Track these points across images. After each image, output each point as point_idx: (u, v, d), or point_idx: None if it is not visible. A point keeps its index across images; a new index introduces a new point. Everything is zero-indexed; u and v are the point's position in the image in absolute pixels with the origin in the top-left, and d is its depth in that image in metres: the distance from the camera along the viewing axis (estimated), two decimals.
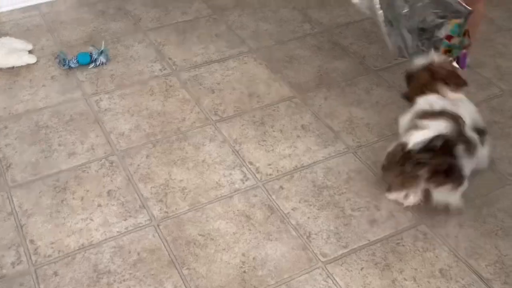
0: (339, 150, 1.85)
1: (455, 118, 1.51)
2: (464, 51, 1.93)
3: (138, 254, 1.51)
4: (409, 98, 1.71)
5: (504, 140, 1.89)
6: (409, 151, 1.50)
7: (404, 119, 1.66)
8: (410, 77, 1.76)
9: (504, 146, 1.87)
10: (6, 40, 2.23)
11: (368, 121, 1.96)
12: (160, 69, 2.19)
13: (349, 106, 2.03)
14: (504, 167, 1.79)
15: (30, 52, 2.21)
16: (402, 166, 1.53)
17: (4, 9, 2.49)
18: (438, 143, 1.47)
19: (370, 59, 2.26)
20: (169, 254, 1.51)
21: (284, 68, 2.22)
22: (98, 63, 2.16)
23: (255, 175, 1.75)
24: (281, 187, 1.71)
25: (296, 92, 2.10)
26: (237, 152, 1.83)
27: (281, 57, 2.27)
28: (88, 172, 1.74)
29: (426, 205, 1.60)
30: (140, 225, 1.59)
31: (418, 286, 1.45)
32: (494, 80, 2.15)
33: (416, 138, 1.50)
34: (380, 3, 1.87)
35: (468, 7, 1.78)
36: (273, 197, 1.68)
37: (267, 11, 2.56)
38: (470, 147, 1.50)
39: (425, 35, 1.92)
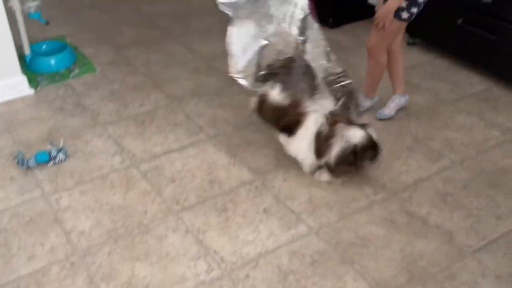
0: (302, 232, 1.87)
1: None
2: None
3: None
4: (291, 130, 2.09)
5: (460, 211, 1.95)
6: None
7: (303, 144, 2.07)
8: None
9: (460, 217, 1.93)
10: None
11: (327, 201, 2.00)
12: (120, 162, 2.21)
13: (308, 186, 2.07)
14: (462, 240, 1.84)
15: None
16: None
17: None
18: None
19: None
20: None
21: (242, 152, 2.27)
22: (57, 161, 2.17)
23: (220, 264, 1.74)
24: (247, 276, 1.70)
25: (255, 175, 2.14)
26: (201, 241, 1.83)
27: (239, 142, 2.33)
28: (48, 276, 1.70)
29: None
30: None
31: None
32: (445, 151, 2.25)
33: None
34: None
35: None
36: (239, 286, 1.67)
37: (223, 98, 2.65)
38: None
39: None
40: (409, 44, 3.08)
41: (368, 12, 3.40)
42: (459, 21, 2.71)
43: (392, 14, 2.16)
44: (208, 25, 3.37)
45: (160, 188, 2.07)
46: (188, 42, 3.17)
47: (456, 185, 2.07)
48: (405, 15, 2.20)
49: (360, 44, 3.11)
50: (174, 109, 2.56)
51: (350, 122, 2.05)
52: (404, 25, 2.28)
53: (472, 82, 2.72)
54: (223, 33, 3.29)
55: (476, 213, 1.94)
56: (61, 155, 2.17)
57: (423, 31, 2.98)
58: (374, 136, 2.02)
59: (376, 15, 2.21)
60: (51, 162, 2.16)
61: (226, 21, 3.38)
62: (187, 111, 2.55)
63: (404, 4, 2.17)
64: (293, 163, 2.18)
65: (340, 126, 2.00)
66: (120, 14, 3.55)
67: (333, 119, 2.04)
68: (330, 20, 3.28)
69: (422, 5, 2.20)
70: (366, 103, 2.45)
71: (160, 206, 1.98)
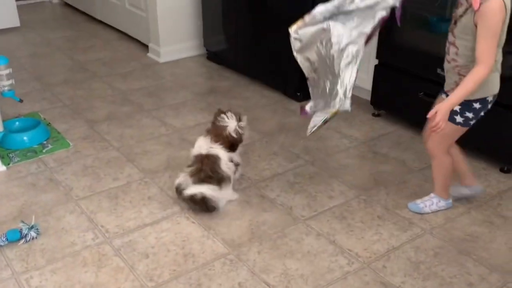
0: None
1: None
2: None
3: None
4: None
5: (432, 280, 1.98)
6: None
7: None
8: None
9: (433, 286, 1.95)
10: None
11: (302, 272, 2.01)
12: (93, 238, 2.19)
13: (283, 258, 2.08)
14: None
15: None
16: None
17: None
18: None
19: (297, 209, 2.37)
20: None
21: (216, 225, 2.28)
22: (28, 239, 2.13)
23: None
24: None
25: (230, 248, 2.14)
26: None
27: (213, 214, 2.34)
28: None
29: None
30: None
31: None
32: (415, 220, 2.30)
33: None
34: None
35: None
36: None
37: None
38: None
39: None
40: (374, 115, 3.21)
41: None
42: (420, 94, 2.85)
43: (446, 116, 1.97)
44: (180, 100, 3.46)
45: (134, 265, 2.05)
46: (161, 116, 3.23)
47: (428, 253, 2.11)
48: (459, 119, 2.07)
49: None
50: (148, 182, 2.58)
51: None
52: (461, 129, 2.12)
53: None
54: (195, 107, 3.39)
55: (448, 281, 1.97)
56: (32, 233, 2.15)
57: (387, 103, 3.12)
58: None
59: (430, 114, 2.00)
60: (22, 240, 2.13)
61: (198, 94, 3.50)
62: (160, 184, 2.56)
63: (457, 108, 2.03)
64: (266, 235, 2.20)
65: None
66: (93, 90, 3.61)
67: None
68: (299, 94, 3.40)
69: (480, 112, 2.06)
70: (462, 190, 2.38)
71: (133, 283, 1.96)
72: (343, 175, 2.63)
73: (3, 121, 2.88)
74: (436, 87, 2.77)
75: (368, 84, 3.19)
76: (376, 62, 3.08)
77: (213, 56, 4.05)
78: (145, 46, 4.31)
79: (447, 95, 2.10)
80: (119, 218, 2.32)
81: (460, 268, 2.03)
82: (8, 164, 2.69)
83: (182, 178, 2.33)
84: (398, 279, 1.97)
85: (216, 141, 2.38)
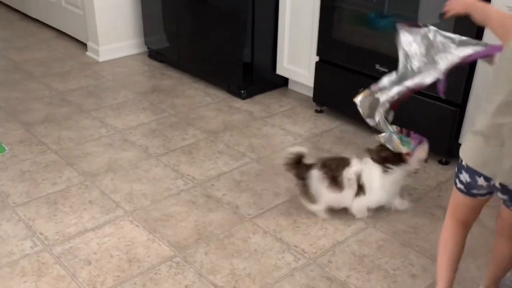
0: None
1: None
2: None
3: None
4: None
5: (376, 273, 2.02)
6: None
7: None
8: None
9: (378, 279, 1.99)
10: None
11: (250, 271, 2.00)
12: (31, 247, 2.10)
13: (230, 258, 2.07)
14: None
15: None
16: None
17: None
18: None
19: (244, 208, 2.37)
20: None
21: (162, 227, 2.23)
22: None
23: None
24: None
25: (176, 250, 2.10)
26: None
27: (158, 216, 2.30)
28: None
29: None
30: None
31: None
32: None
33: None
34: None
35: None
36: None
37: (139, 171, 2.62)
38: None
39: None
40: (316, 112, 3.24)
41: (277, 82, 3.58)
42: (361, 89, 2.89)
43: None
44: (121, 99, 3.37)
45: (75, 272, 1.98)
46: (102, 117, 3.14)
47: (371, 246, 2.15)
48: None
49: (270, 113, 3.24)
50: (88, 186, 2.50)
51: None
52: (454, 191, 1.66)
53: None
54: (137, 107, 3.33)
55: (392, 273, 2.01)
56: None
57: (329, 99, 3.16)
58: None
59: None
60: None
61: (140, 93, 3.43)
62: (102, 187, 2.49)
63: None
64: (213, 236, 2.18)
65: None
66: (30, 91, 3.47)
67: None
68: (243, 91, 3.39)
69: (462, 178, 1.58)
70: None
71: None
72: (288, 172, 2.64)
73: None
74: (375, 82, 2.83)
75: (310, 81, 3.22)
76: (317, 59, 3.11)
77: (155, 54, 3.98)
78: (84, 45, 4.18)
79: None
80: (59, 224, 2.23)
81: (404, 260, 2.08)
82: None
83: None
84: (344, 273, 2.00)
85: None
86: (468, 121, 2.56)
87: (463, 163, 1.55)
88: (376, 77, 2.81)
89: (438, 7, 2.52)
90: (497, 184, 1.50)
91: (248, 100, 3.41)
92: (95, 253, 2.08)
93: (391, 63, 2.73)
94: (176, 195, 2.45)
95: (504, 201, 1.59)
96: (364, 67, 2.86)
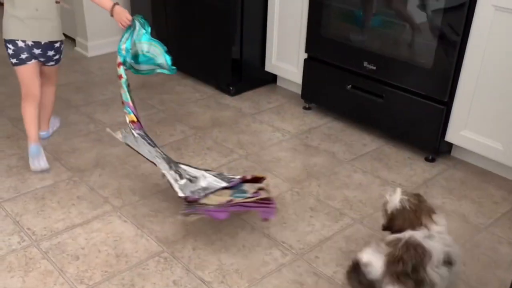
0: None
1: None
2: None
3: None
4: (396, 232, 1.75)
5: None
6: None
7: None
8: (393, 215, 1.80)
9: None
10: None
11: (237, 267, 2.02)
12: (19, 242, 2.10)
13: (218, 254, 2.08)
14: None
15: None
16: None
17: None
18: None
19: None
20: None
21: (150, 223, 2.24)
22: None
23: None
24: None
25: (164, 246, 2.11)
26: None
27: (146, 212, 2.30)
28: None
29: None
30: None
31: None
32: (345, 210, 2.36)
33: None
34: None
35: None
36: None
37: (128, 167, 2.62)
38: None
39: None
40: (305, 108, 3.26)
41: (266, 79, 3.59)
42: (348, 86, 2.92)
43: None
44: (110, 95, 3.37)
45: (63, 267, 1.98)
46: (90, 112, 3.14)
47: (358, 243, 2.17)
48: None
49: (258, 110, 3.25)
50: (77, 181, 2.50)
51: None
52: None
53: (365, 143, 2.92)
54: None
55: None
56: None
57: (317, 96, 3.18)
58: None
59: None
60: None
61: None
62: (90, 183, 2.49)
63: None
64: (201, 231, 2.19)
65: None
66: (17, 86, 3.43)
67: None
68: (231, 88, 3.40)
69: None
70: None
71: (63, 286, 1.89)
72: (277, 168, 2.66)
73: None
74: (363, 79, 2.86)
75: (298, 78, 3.24)
76: (305, 56, 3.13)
77: None
78: (72, 40, 4.16)
79: None
80: (47, 219, 2.23)
81: None
82: None
83: (371, 254, 1.65)
84: (330, 269, 2.02)
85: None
86: (454, 118, 2.59)
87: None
88: (364, 75, 2.85)
89: (424, 4, 2.56)
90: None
91: (236, 96, 3.42)
92: (83, 248, 2.08)
93: (379, 61, 2.77)
94: (165, 191, 2.45)
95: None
96: (352, 64, 2.88)
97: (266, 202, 2.10)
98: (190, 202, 2.11)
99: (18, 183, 2.46)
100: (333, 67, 2.99)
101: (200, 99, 3.38)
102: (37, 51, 2.48)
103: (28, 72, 2.53)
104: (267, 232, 2.21)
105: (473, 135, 2.56)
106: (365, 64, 2.80)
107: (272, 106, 3.31)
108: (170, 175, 2.21)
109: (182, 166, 2.30)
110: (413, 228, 1.71)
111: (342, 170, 2.66)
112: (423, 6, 2.56)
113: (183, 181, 2.20)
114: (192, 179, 2.24)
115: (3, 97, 3.29)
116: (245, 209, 2.13)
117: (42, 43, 2.48)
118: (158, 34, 3.75)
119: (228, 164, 2.67)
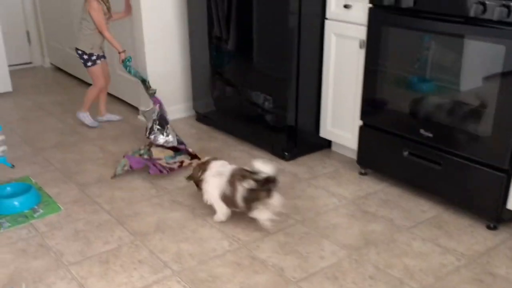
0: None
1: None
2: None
3: None
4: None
5: None
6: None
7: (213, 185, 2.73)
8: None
9: None
10: None
11: None
12: None
13: None
14: None
15: None
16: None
17: None
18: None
19: (289, 270, 2.38)
20: None
21: None
22: None
23: None
24: None
25: None
26: None
27: (204, 277, 2.34)
28: None
29: None
30: None
31: None
32: (406, 279, 2.32)
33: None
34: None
35: None
36: None
37: (187, 232, 2.69)
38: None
39: None
40: (361, 174, 3.27)
41: (321, 144, 3.65)
42: (405, 153, 2.93)
43: None
44: None
45: None
46: (152, 178, 3.26)
47: None
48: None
49: (314, 175, 3.29)
50: (138, 245, 2.58)
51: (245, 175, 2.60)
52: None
53: (424, 209, 2.88)
54: (185, 168, 3.43)
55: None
56: None
57: (373, 162, 3.19)
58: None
59: None
60: None
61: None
62: (151, 247, 2.57)
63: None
64: None
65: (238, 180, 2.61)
66: (84, 153, 3.65)
67: (231, 178, 2.65)
68: (286, 153, 3.47)
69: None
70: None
71: None
72: (334, 234, 2.66)
73: None
74: (420, 146, 2.87)
75: (353, 144, 3.27)
76: (360, 122, 3.18)
77: (202, 117, 4.14)
78: (136, 109, 4.39)
79: None
80: (110, 283, 2.30)
81: None
82: None
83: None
84: None
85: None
86: None
87: None
88: (421, 142, 2.86)
89: (479, 71, 2.58)
90: None
91: (291, 161, 3.48)
92: None
93: (435, 128, 2.78)
94: (222, 256, 2.50)
95: None
96: (408, 132, 2.90)
97: (167, 168, 3.28)
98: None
99: (84, 247, 2.57)
100: (389, 133, 3.01)
101: None
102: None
103: None
104: None
105: None
106: (422, 131, 2.81)
107: (327, 171, 3.34)
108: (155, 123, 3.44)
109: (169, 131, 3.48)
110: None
111: (401, 237, 2.63)
112: (479, 71, 2.58)
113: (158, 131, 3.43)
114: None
115: (72, 164, 3.49)
116: (155, 171, 3.23)
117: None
118: (216, 102, 3.92)
119: (284, 230, 2.70)
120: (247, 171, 2.60)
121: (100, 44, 3.93)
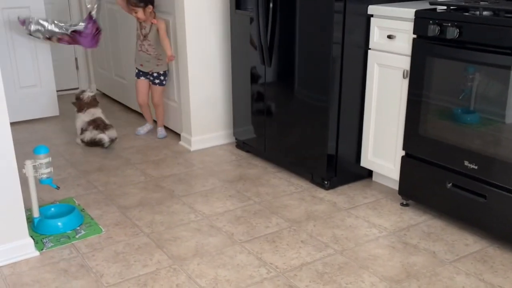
0: None
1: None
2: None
3: None
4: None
5: None
6: None
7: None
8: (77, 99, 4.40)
9: None
10: None
11: None
12: None
13: None
14: None
15: None
16: None
17: None
18: None
19: None
20: None
21: None
22: None
23: None
24: None
25: None
26: None
27: None
28: None
29: None
30: None
31: None
32: None
33: None
34: None
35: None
36: None
37: (224, 257, 2.69)
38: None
39: None
40: (402, 205, 3.21)
41: (361, 174, 3.61)
42: (449, 185, 2.87)
43: None
44: (210, 187, 3.53)
45: None
46: (191, 203, 3.29)
47: None
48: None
49: (354, 205, 3.25)
50: (176, 269, 2.59)
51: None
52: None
53: (468, 243, 2.80)
54: (224, 194, 3.46)
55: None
56: None
57: (415, 193, 3.13)
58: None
59: None
60: None
61: (227, 181, 3.57)
62: (188, 271, 2.57)
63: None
64: None
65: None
66: (127, 177, 3.73)
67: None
68: (326, 182, 3.45)
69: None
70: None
71: None
72: (374, 265, 2.61)
73: (39, 206, 2.97)
74: (464, 178, 2.80)
75: (395, 174, 3.23)
76: (402, 153, 3.13)
77: (242, 144, 4.17)
78: (177, 135, 4.47)
79: None
80: None
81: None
82: (42, 249, 2.75)
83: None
84: None
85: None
86: None
87: None
88: (465, 174, 2.79)
89: None
90: None
91: (331, 190, 3.45)
92: None
93: (480, 160, 2.71)
94: (259, 283, 2.48)
95: None
96: (452, 163, 2.84)
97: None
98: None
99: (123, 269, 2.59)
100: (432, 164, 2.96)
101: (295, 192, 3.44)
102: None
103: None
104: None
105: None
106: (466, 163, 2.75)
107: (368, 201, 3.30)
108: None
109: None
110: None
111: (444, 271, 2.55)
112: None
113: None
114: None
115: (114, 186, 3.56)
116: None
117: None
118: (256, 130, 3.95)
119: (323, 259, 2.66)
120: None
121: None
